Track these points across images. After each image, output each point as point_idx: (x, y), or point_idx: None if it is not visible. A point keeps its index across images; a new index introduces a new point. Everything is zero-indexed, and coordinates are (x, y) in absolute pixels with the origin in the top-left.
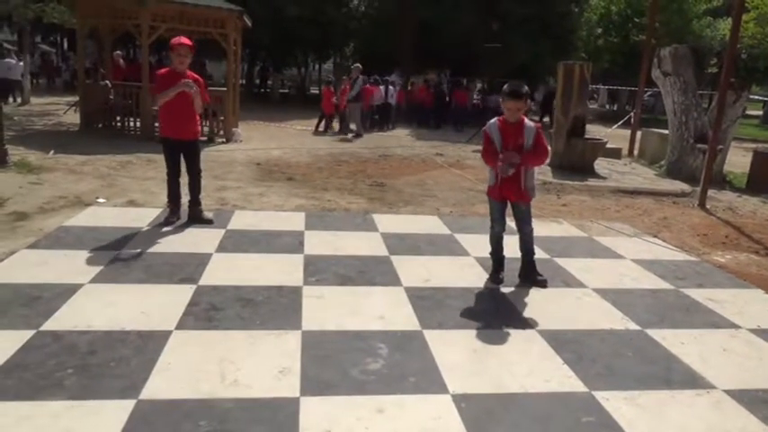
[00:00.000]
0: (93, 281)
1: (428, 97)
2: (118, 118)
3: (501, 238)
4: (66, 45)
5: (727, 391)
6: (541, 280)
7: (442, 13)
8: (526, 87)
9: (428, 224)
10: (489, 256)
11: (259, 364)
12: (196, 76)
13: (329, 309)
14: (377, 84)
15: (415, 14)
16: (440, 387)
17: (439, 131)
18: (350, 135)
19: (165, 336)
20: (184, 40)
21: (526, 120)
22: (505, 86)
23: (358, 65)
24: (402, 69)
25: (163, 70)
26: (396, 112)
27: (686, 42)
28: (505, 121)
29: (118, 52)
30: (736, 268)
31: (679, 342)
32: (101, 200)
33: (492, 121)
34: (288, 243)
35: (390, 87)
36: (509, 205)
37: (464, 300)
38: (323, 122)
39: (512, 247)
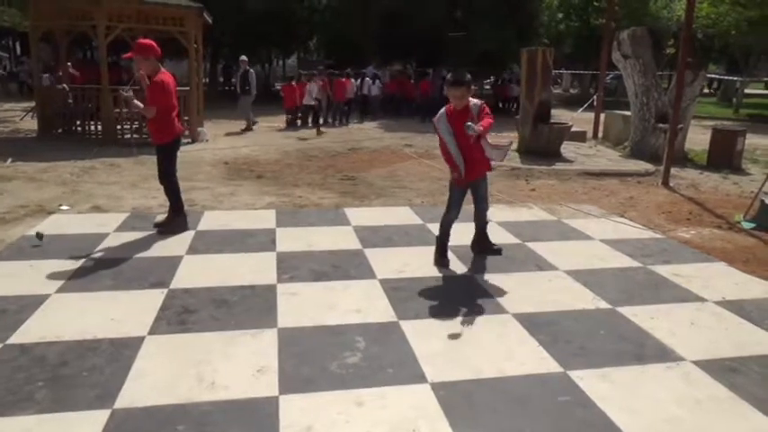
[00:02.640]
0: (61, 290)
1: (409, 88)
2: (78, 122)
3: (451, 225)
4: (19, 49)
5: (696, 362)
6: (497, 248)
7: (407, 4)
8: (469, 76)
9: (400, 215)
10: (436, 239)
11: (236, 365)
12: (156, 78)
13: (304, 305)
14: (349, 77)
15: (380, 5)
16: (418, 377)
17: (407, 122)
18: (254, 126)
19: (137, 342)
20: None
21: (471, 100)
22: (449, 76)
23: (243, 57)
24: (378, 62)
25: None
26: (380, 103)
27: (644, 24)
28: (454, 108)
29: (69, 64)
30: (700, 243)
31: (649, 318)
32: (64, 207)
33: (441, 111)
34: (260, 241)
35: (368, 80)
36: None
37: (439, 289)
38: (298, 118)
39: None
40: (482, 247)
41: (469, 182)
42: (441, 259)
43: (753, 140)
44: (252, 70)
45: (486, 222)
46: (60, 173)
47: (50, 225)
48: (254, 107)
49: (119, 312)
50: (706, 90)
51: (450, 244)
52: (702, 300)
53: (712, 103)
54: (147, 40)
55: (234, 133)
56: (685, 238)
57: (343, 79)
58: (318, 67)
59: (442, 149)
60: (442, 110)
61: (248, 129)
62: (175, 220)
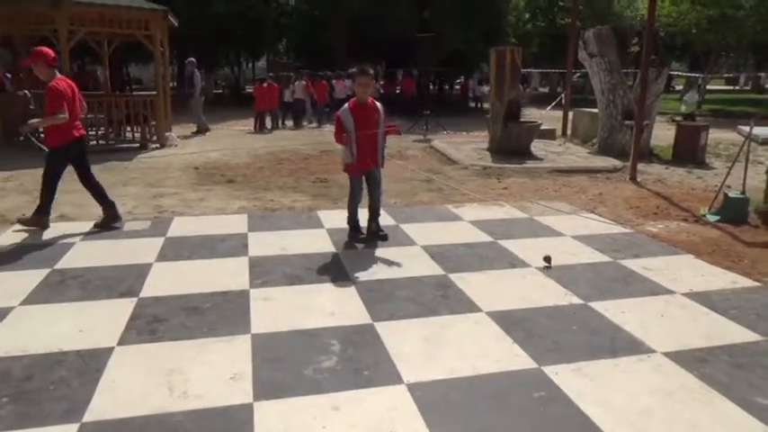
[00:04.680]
0: (25, 302)
1: (411, 87)
2: (41, 129)
3: (357, 208)
4: None
5: (666, 354)
6: (383, 235)
7: (376, 5)
8: (371, 70)
9: None
10: (347, 222)
11: (209, 373)
12: (49, 85)
13: (278, 310)
14: (341, 78)
15: (349, 7)
16: (394, 378)
17: None
18: (202, 132)
19: (106, 353)
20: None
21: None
22: (356, 68)
23: (191, 59)
24: (356, 64)
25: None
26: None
27: (609, 23)
28: (357, 105)
29: None
30: (667, 236)
31: (620, 312)
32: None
33: (344, 107)
34: (231, 246)
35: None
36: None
37: (413, 289)
38: (267, 121)
39: (457, 233)
40: (375, 232)
41: (363, 170)
42: (354, 234)
43: (715, 135)
44: (197, 72)
45: (379, 209)
46: (23, 181)
47: (13, 236)
48: (225, 110)
49: (86, 323)
50: (679, 87)
51: (422, 244)
52: (671, 292)
53: (676, 99)
54: (41, 48)
55: (188, 136)
56: (653, 232)
57: (323, 81)
58: (304, 69)
59: (338, 136)
60: (345, 105)
61: (203, 131)
62: (41, 219)
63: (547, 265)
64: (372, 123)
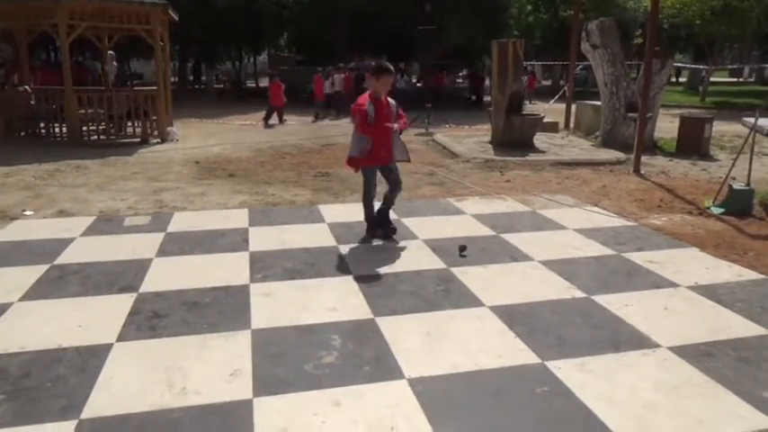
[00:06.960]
0: (24, 298)
1: (442, 81)
2: (41, 124)
3: (373, 202)
4: None
5: (671, 348)
6: (393, 227)
7: None
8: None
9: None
10: (366, 220)
11: (208, 369)
12: None
13: (279, 305)
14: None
15: (349, 1)
16: (396, 373)
17: None
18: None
19: (105, 349)
20: None
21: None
22: (375, 64)
23: (111, 52)
24: (358, 59)
25: None
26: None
27: (611, 15)
28: (374, 98)
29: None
30: (672, 229)
31: (623, 305)
32: (28, 212)
33: (365, 99)
34: (232, 241)
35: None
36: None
37: (414, 283)
38: (274, 114)
39: (459, 227)
40: (385, 224)
41: (377, 163)
42: (379, 231)
43: (719, 127)
44: (114, 65)
45: (392, 204)
46: (24, 177)
47: (13, 231)
48: (226, 105)
49: (85, 319)
50: (674, 79)
51: (424, 238)
52: (675, 285)
53: (680, 91)
54: None
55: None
56: (657, 225)
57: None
58: (351, 64)
59: (362, 126)
60: (366, 97)
61: None
62: None
63: (463, 254)
64: (386, 117)
